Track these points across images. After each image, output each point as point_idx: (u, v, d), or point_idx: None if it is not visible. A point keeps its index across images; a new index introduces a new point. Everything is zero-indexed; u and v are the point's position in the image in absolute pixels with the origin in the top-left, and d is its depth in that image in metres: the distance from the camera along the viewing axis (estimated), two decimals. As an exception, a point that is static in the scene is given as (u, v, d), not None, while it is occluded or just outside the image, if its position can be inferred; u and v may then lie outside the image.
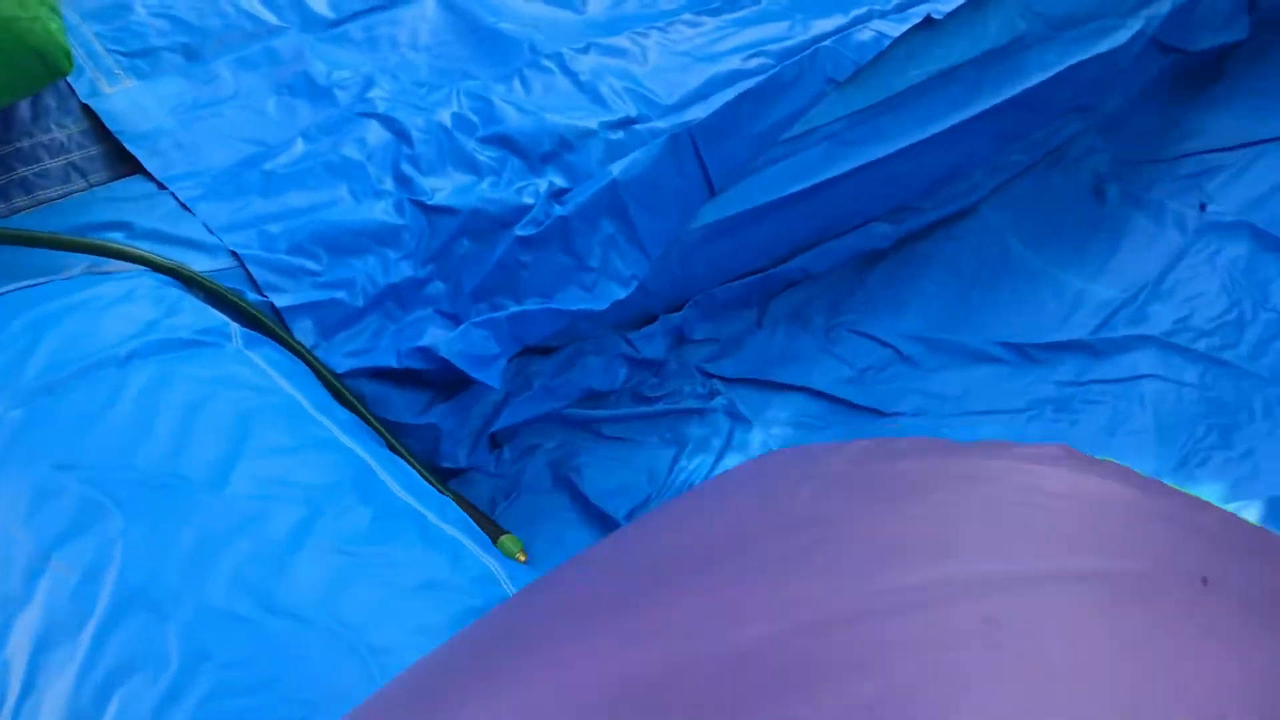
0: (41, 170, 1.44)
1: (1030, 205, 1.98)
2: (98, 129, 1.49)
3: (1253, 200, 1.93)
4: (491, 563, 0.94)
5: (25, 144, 1.45)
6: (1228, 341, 1.70)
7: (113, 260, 1.23)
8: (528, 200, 1.44)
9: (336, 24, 1.68)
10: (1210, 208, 1.92)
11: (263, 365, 1.14)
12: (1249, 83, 2.18)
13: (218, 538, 0.88)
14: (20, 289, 1.18)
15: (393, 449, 1.27)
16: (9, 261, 1.24)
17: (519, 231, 1.42)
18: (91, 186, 1.44)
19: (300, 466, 0.98)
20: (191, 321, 1.15)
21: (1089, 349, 1.71)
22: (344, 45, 1.65)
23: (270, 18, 1.65)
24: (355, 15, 1.69)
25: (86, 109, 1.50)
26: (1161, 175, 2.03)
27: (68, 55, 1.30)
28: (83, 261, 1.23)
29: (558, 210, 1.44)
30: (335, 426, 1.08)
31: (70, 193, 1.42)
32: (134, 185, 1.40)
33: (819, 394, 1.65)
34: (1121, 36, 1.94)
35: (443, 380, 1.41)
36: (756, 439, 1.58)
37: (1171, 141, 2.11)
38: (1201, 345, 1.69)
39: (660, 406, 1.60)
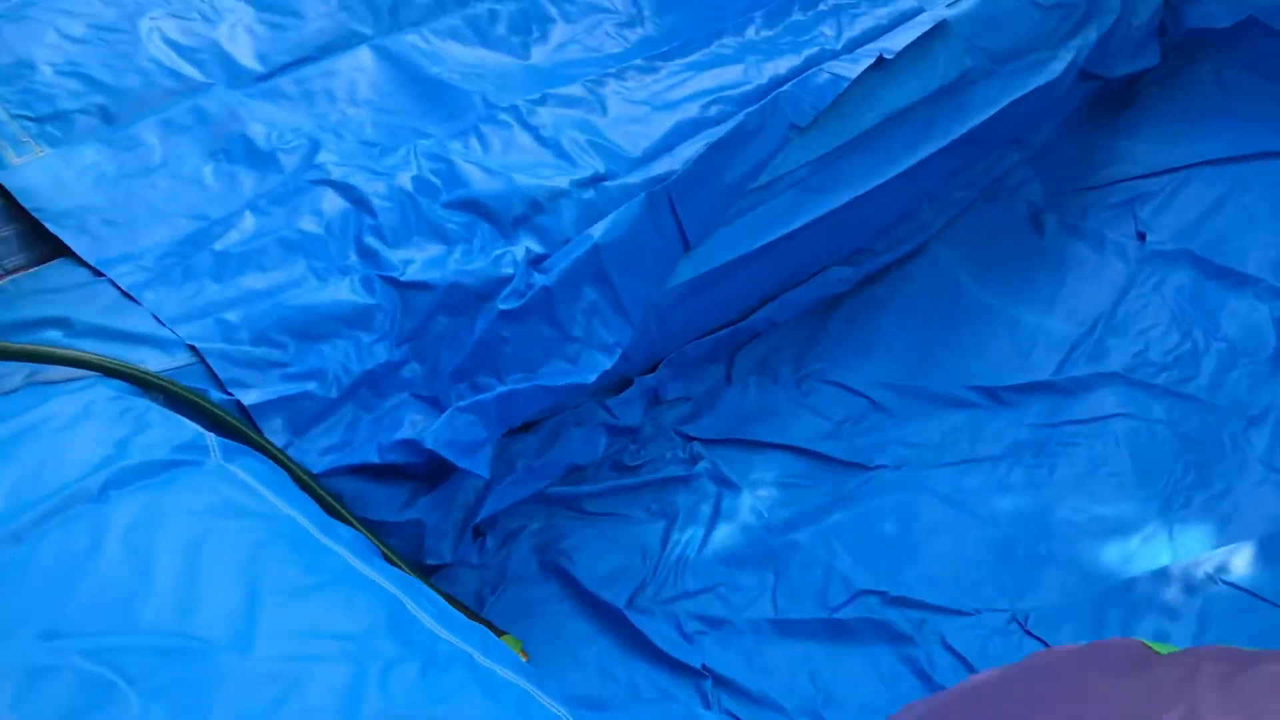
0: (-53, 257, 1.27)
1: (975, 239, 1.97)
2: (10, 206, 1.32)
3: (1186, 226, 1.96)
4: (557, 709, 0.85)
5: (-74, 228, 1.28)
6: (1186, 374, 1.71)
7: (57, 366, 1.08)
8: (506, 270, 1.34)
9: (266, 78, 1.54)
10: (1149, 237, 1.95)
11: (250, 481, 1.01)
12: (1159, 108, 2.23)
13: (256, 715, 0.76)
14: (-46, 409, 1.02)
15: (387, 559, 1.16)
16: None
17: (501, 305, 1.32)
18: (10, 274, 1.27)
19: (328, 610, 0.87)
20: (164, 438, 1.01)
21: (1056, 389, 1.71)
22: (277, 101, 1.51)
23: (193, 73, 1.51)
24: (285, 68, 1.56)
25: (-7, 184, 1.33)
26: (1093, 203, 2.05)
27: (-16, 132, 1.14)
28: (21, 370, 1.08)
29: (540, 280, 1.34)
30: (345, 550, 0.97)
31: (-17, 281, 1.26)
32: (64, 272, 1.25)
33: (800, 450, 1.60)
34: (1056, 68, 1.95)
35: (425, 470, 1.30)
36: (745, 504, 1.52)
37: (1096, 169, 2.13)
38: (1162, 380, 1.70)
39: (644, 477, 1.52)
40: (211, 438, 1.06)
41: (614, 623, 1.34)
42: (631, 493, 1.50)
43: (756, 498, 1.52)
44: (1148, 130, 2.18)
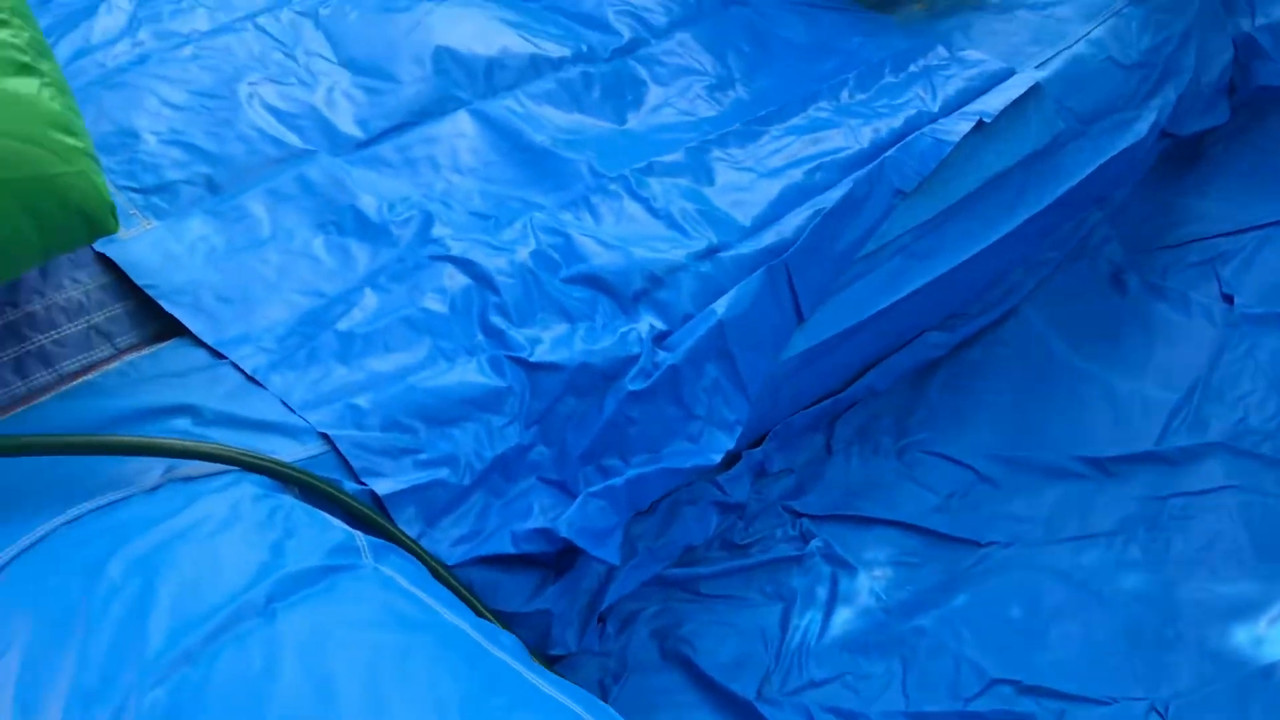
0: (59, 338, 1.22)
1: (1063, 301, 1.94)
2: (120, 282, 1.28)
3: (1271, 288, 1.93)
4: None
5: (38, 306, 1.23)
6: (1291, 443, 1.68)
7: (194, 459, 1.03)
8: (633, 349, 1.29)
9: (367, 144, 1.50)
10: (1236, 300, 1.92)
11: (407, 586, 0.97)
12: (1228, 166, 2.21)
13: None
14: (95, 509, 0.97)
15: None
16: (62, 467, 1.02)
17: (630, 386, 1.28)
18: (122, 353, 1.22)
19: (523, 736, 0.82)
20: (316, 540, 0.97)
21: (1161, 459, 1.67)
22: (380, 169, 1.47)
23: (294, 140, 1.47)
24: (385, 134, 1.52)
25: (103, 259, 1.29)
26: (1172, 263, 2.03)
27: (113, 212, 1.10)
28: (159, 464, 1.03)
29: (666, 358, 1.30)
30: (517, 663, 0.92)
31: (95, 363, 1.21)
32: (183, 354, 1.20)
33: (910, 526, 1.55)
34: (1141, 129, 1.94)
35: (550, 557, 1.25)
36: (863, 585, 1.47)
37: (1171, 227, 2.11)
38: (1267, 449, 1.67)
39: (756, 557, 1.47)
40: (360, 537, 1.01)
41: (743, 715, 1.29)
42: (745, 574, 1.46)
43: (872, 578, 1.48)
44: (1219, 188, 2.16)
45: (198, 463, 1.04)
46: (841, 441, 1.65)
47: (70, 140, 1.05)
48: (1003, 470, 1.65)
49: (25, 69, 1.03)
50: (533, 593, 1.23)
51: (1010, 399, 1.77)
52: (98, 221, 1.09)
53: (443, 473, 1.16)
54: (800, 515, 1.54)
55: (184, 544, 0.92)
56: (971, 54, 1.83)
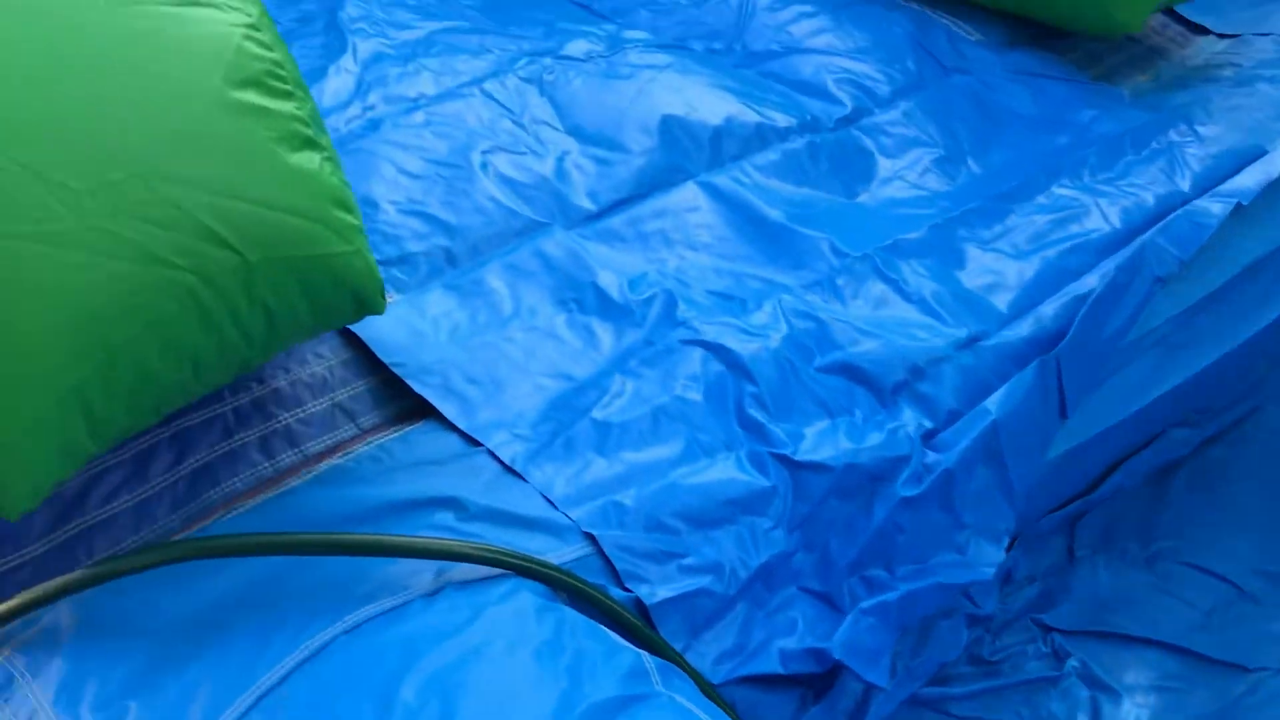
0: (305, 416, 1.16)
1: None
2: (361, 358, 1.22)
3: None
4: None
5: (283, 383, 1.18)
6: None
7: (478, 564, 0.96)
8: (902, 449, 1.19)
9: (598, 217, 1.43)
10: None
11: (703, 717, 0.87)
12: None
13: None
14: (375, 617, 0.90)
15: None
16: (328, 565, 0.96)
17: (903, 491, 1.17)
18: (364, 434, 1.16)
19: None
20: (608, 664, 0.89)
21: None
22: (613, 244, 1.40)
23: (528, 211, 1.40)
24: (616, 206, 1.45)
25: (343, 332, 1.23)
26: None
27: (382, 293, 1.04)
28: (431, 567, 0.96)
29: (939, 461, 1.20)
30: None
31: (340, 443, 1.15)
32: (436, 439, 1.13)
33: (1171, 647, 1.42)
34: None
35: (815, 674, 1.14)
36: (1128, 713, 1.34)
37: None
38: None
39: (1008, 677, 1.35)
40: (647, 658, 0.93)
41: None
42: (998, 694, 1.34)
43: (1136, 705, 1.35)
44: None
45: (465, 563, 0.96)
46: (1085, 547, 1.53)
47: (348, 218, 1.00)
48: (1265, 586, 1.51)
49: (309, 143, 0.99)
50: (794, 715, 1.12)
51: (1261, 503, 1.63)
52: (367, 301, 1.03)
53: (707, 580, 1.07)
54: (1050, 630, 1.41)
55: (479, 664, 0.85)
56: (1214, 129, 1.71)
